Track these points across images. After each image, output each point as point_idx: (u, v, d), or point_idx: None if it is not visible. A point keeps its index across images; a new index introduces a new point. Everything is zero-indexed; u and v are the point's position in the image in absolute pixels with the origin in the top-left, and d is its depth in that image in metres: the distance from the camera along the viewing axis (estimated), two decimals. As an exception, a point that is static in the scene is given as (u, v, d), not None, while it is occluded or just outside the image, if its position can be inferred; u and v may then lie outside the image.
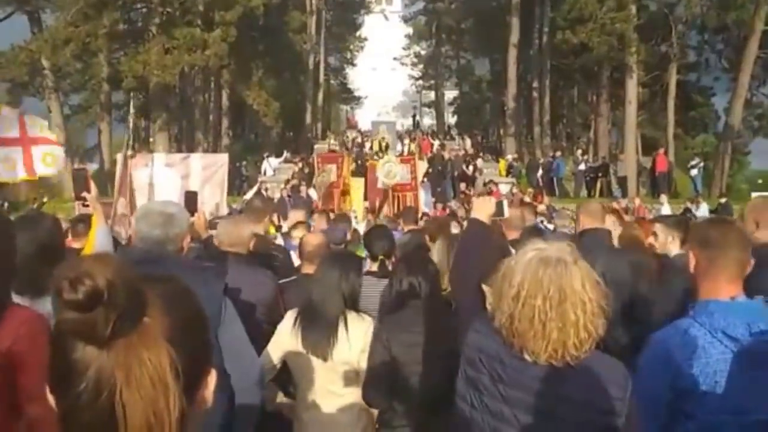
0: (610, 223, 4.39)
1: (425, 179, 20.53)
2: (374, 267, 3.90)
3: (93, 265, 0.77)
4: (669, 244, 3.55)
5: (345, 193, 16.09)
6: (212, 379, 0.90)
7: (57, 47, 22.89)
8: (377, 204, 15.11)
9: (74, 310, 0.76)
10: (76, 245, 4.26)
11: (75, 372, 0.78)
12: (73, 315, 0.76)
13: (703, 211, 16.40)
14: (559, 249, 1.71)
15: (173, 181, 13.82)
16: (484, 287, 2.31)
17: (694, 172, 22.14)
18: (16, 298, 2.05)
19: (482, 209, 2.43)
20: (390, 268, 3.78)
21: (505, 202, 2.71)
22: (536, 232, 4.22)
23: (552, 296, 1.62)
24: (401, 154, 22.27)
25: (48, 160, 8.52)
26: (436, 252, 3.50)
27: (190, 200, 4.39)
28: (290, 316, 2.96)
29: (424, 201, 16.38)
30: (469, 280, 2.24)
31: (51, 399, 0.82)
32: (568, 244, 1.77)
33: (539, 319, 1.62)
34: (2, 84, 26.25)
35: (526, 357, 1.67)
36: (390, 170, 15.62)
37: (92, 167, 34.64)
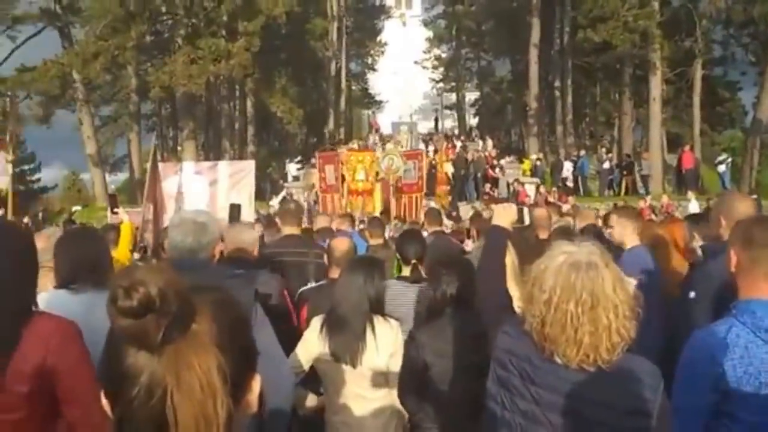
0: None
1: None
2: (406, 271, 3.82)
3: (146, 274, 0.82)
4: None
5: (369, 193, 15.12)
6: (256, 383, 0.93)
7: (87, 61, 23.50)
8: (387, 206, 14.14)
9: (128, 317, 0.80)
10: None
11: (128, 377, 0.82)
12: (126, 322, 0.80)
13: (731, 207, 16.05)
14: (590, 252, 1.69)
15: (202, 188, 14.12)
16: (511, 291, 2.36)
17: (722, 168, 21.73)
18: (70, 296, 2.39)
19: (504, 216, 2.44)
20: (423, 272, 3.73)
21: (526, 210, 2.74)
22: (566, 233, 4.23)
23: (584, 301, 1.62)
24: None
25: None
26: (474, 254, 3.42)
27: (235, 212, 4.46)
28: (317, 322, 2.97)
29: None
30: (493, 286, 2.27)
31: (105, 403, 0.86)
32: (595, 245, 1.75)
33: (571, 324, 1.62)
34: (35, 98, 27.07)
35: (557, 360, 1.67)
36: (391, 164, 14.32)
37: (122, 176, 35.55)
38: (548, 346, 1.67)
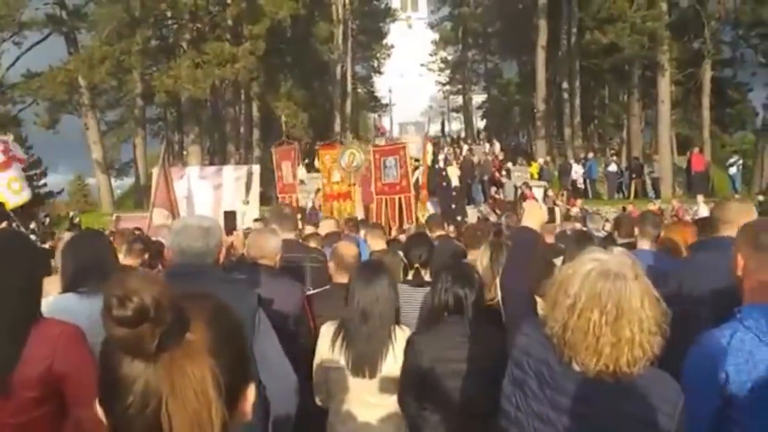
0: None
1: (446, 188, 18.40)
2: (410, 275, 3.82)
3: (140, 283, 0.81)
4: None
5: (346, 196, 12.91)
6: (251, 392, 0.93)
7: (93, 66, 23.53)
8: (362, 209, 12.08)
9: (123, 326, 0.80)
10: (130, 262, 4.44)
11: (123, 386, 0.82)
12: (121, 331, 0.80)
13: (741, 210, 15.84)
14: (620, 263, 1.65)
15: (206, 193, 14.10)
16: (537, 297, 2.27)
17: (732, 170, 21.52)
18: (77, 300, 2.37)
19: (534, 216, 2.37)
20: (427, 277, 3.72)
21: (557, 208, 2.67)
22: (585, 239, 4.20)
23: (609, 311, 1.59)
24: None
25: (14, 186, 8.38)
26: (479, 261, 3.35)
27: (229, 219, 4.43)
28: (329, 329, 2.89)
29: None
30: (519, 288, 2.22)
31: (100, 411, 0.86)
32: (628, 256, 1.71)
33: (593, 333, 1.59)
34: (42, 104, 27.13)
35: (575, 367, 1.65)
36: (352, 160, 12.37)
37: (128, 181, 35.60)
38: (567, 352, 1.65)
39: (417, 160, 18.44)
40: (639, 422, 1.61)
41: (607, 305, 1.59)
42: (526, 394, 1.75)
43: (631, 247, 4.29)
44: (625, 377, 1.60)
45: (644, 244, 3.91)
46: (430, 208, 13.21)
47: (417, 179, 14.02)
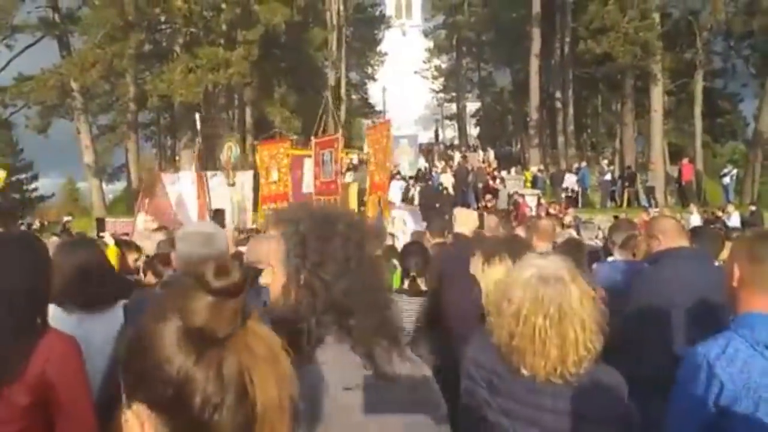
0: None
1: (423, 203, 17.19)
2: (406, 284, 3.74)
3: (224, 262, 0.78)
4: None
5: (284, 198, 11.38)
6: None
7: (85, 69, 23.44)
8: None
9: (226, 295, 0.74)
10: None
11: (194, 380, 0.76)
12: (211, 303, 0.74)
13: (734, 220, 16.05)
14: (558, 267, 1.71)
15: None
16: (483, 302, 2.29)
17: (726, 180, 21.67)
18: (64, 316, 2.28)
19: (465, 222, 2.46)
20: (423, 286, 3.68)
21: (487, 216, 2.80)
22: (575, 246, 4.17)
23: (552, 315, 1.64)
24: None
25: None
26: (473, 269, 3.40)
27: (218, 217, 4.45)
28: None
29: (410, 229, 10.24)
30: (458, 296, 2.30)
31: (147, 414, 0.78)
32: (565, 259, 1.78)
33: (539, 337, 1.64)
34: (33, 107, 26.97)
35: (524, 372, 1.68)
36: (230, 154, 11.64)
37: (119, 186, 35.39)
38: (516, 358, 1.69)
39: (401, 174, 17.64)
40: (591, 421, 1.65)
41: (549, 309, 1.64)
42: (479, 403, 1.78)
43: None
44: (573, 378, 1.65)
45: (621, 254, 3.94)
46: (410, 222, 11.52)
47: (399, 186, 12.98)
